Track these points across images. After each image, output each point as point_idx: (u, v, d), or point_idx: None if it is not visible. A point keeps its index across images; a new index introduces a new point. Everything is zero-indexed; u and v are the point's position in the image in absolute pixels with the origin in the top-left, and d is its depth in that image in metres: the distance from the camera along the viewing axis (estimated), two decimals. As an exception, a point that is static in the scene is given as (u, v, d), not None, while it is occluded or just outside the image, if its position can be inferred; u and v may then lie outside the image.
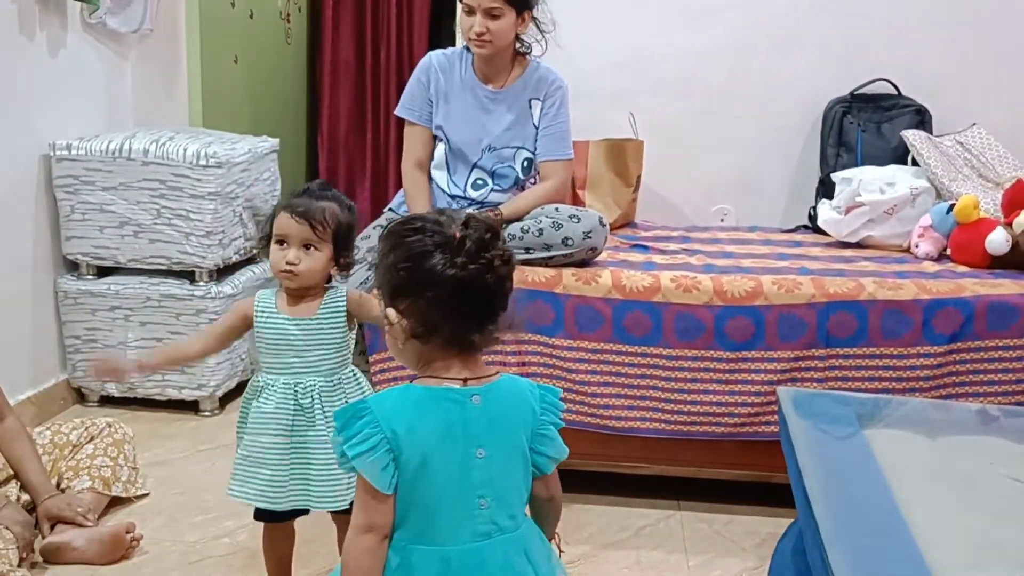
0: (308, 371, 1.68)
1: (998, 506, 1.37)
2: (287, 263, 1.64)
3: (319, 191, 1.70)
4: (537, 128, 2.41)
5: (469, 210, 2.34)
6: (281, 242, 1.65)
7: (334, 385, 1.70)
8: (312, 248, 1.65)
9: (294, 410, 1.67)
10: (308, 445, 1.68)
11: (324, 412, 1.67)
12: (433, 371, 1.20)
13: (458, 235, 1.16)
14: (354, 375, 1.76)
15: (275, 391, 1.67)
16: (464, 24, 2.32)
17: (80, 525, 1.96)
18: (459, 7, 2.34)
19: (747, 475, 2.27)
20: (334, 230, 1.66)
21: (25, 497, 2.03)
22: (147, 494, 2.27)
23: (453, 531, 1.18)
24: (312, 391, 1.68)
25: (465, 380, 1.20)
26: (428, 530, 1.18)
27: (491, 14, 2.27)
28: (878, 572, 1.19)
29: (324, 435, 1.66)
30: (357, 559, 1.16)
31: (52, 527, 1.98)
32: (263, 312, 1.69)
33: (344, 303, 1.71)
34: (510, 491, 1.22)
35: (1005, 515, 1.33)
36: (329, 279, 1.72)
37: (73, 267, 2.74)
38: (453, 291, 1.15)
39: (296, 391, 1.67)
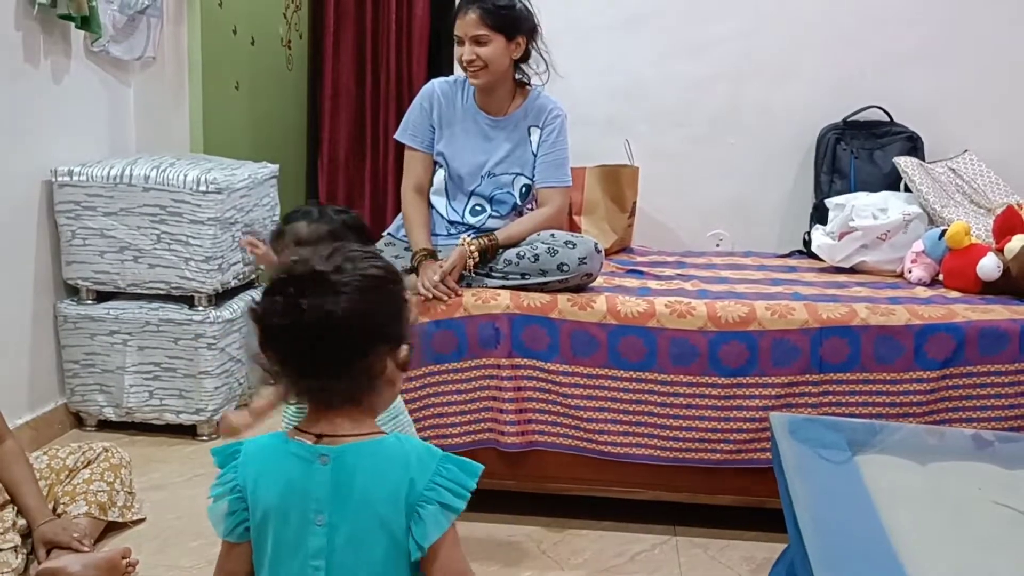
0: None
1: (987, 533, 1.37)
2: None
3: (328, 212, 1.73)
4: (535, 155, 2.44)
5: (466, 236, 2.37)
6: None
7: None
8: None
9: None
10: None
11: None
12: (303, 422, 1.11)
13: (275, 278, 1.07)
14: None
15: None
16: (456, 53, 2.36)
17: (76, 550, 1.97)
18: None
19: (743, 500, 2.28)
20: None
21: (21, 522, 2.03)
22: (143, 519, 2.27)
23: None
24: None
25: (320, 436, 1.08)
26: None
27: (478, 41, 2.30)
28: (866, 599, 1.20)
29: None
30: None
31: (48, 552, 1.98)
32: None
33: None
34: (359, 570, 1.07)
35: (994, 542, 1.34)
36: None
37: (73, 291, 2.76)
38: (267, 339, 1.07)
39: None
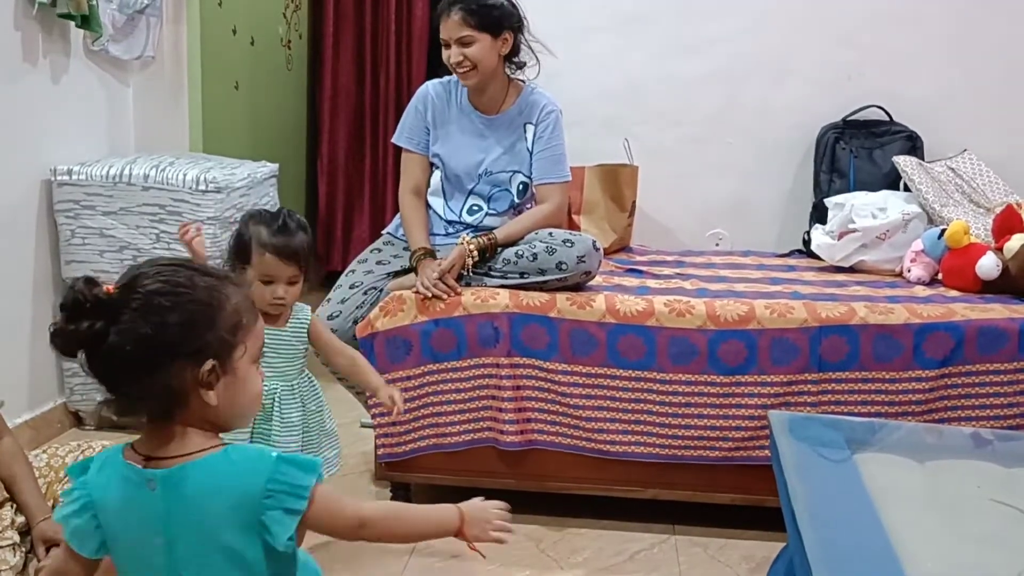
0: (271, 376, 1.81)
1: (985, 530, 1.37)
2: (276, 299, 1.81)
3: (288, 223, 1.83)
4: (531, 152, 2.44)
5: (465, 235, 2.37)
6: (268, 282, 1.80)
7: (293, 389, 1.88)
8: (295, 282, 1.83)
9: (289, 408, 1.84)
10: (268, 443, 1.82)
11: (281, 414, 1.84)
12: (137, 441, 1.10)
13: (62, 302, 1.05)
14: (310, 379, 1.94)
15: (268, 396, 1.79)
16: (444, 56, 2.36)
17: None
18: None
19: (743, 499, 2.27)
20: (308, 260, 1.84)
21: (20, 519, 2.03)
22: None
23: None
24: (273, 394, 1.83)
25: (148, 459, 1.08)
26: None
27: (464, 43, 2.30)
28: (864, 595, 1.20)
29: (281, 435, 1.83)
30: None
31: (47, 550, 1.98)
32: None
33: (308, 321, 1.90)
34: None
35: (992, 539, 1.34)
36: None
37: (72, 291, 2.76)
38: (62, 355, 1.07)
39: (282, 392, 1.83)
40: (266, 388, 1.77)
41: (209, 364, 1.06)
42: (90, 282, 1.05)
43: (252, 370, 1.12)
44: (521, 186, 2.46)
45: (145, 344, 1.03)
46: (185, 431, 1.08)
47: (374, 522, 1.13)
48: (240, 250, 1.83)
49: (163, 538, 1.06)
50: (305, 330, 1.91)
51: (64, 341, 1.04)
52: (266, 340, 1.69)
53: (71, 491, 1.11)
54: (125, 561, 1.12)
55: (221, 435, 1.13)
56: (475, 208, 2.47)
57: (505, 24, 2.34)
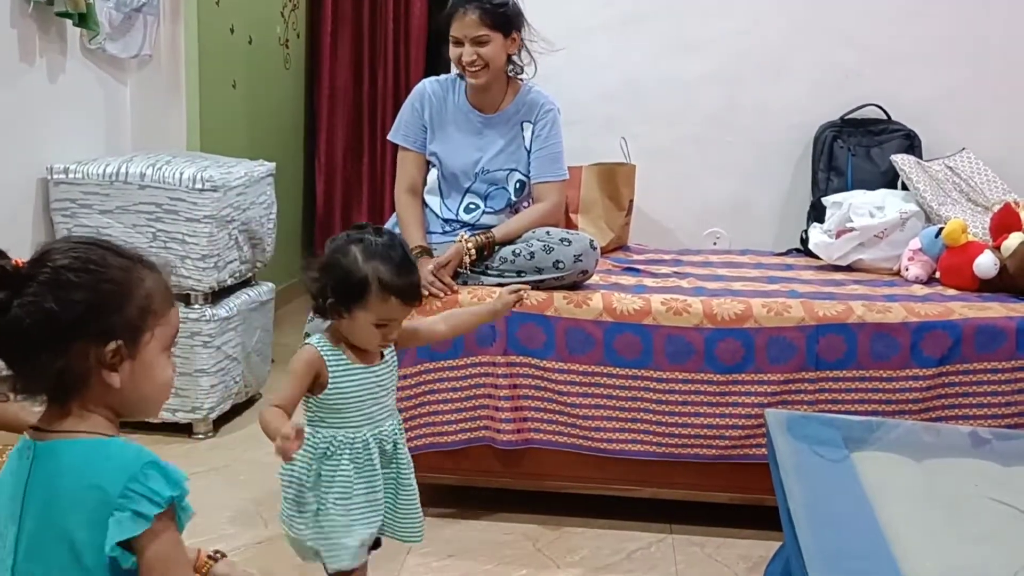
0: (386, 416, 1.61)
1: (981, 528, 1.37)
2: (387, 340, 1.58)
3: (408, 257, 1.59)
4: (529, 151, 2.44)
5: (463, 233, 2.37)
6: (382, 324, 1.55)
7: (401, 421, 1.69)
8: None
9: (379, 461, 1.59)
10: (398, 483, 1.64)
11: (402, 448, 1.64)
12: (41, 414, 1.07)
13: None
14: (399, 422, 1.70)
15: (355, 448, 1.57)
16: (453, 55, 2.35)
17: None
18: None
19: (740, 498, 2.27)
20: None
21: None
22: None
23: None
24: (395, 434, 1.63)
25: (38, 430, 1.05)
26: None
27: (479, 42, 2.30)
28: (859, 593, 1.20)
29: (407, 471, 1.64)
30: None
31: None
32: (337, 367, 1.56)
33: (392, 347, 1.65)
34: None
35: (988, 537, 1.34)
36: None
37: (69, 290, 2.75)
38: None
39: (380, 440, 1.60)
40: (386, 430, 1.60)
41: (113, 345, 1.02)
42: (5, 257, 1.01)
43: (163, 358, 1.09)
44: (518, 185, 2.46)
45: (48, 320, 0.99)
46: (83, 413, 1.04)
47: None
48: (352, 291, 1.52)
49: (19, 514, 1.02)
50: (395, 356, 1.66)
51: None
52: (374, 379, 1.58)
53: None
54: None
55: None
56: (472, 207, 2.47)
57: (514, 24, 2.35)
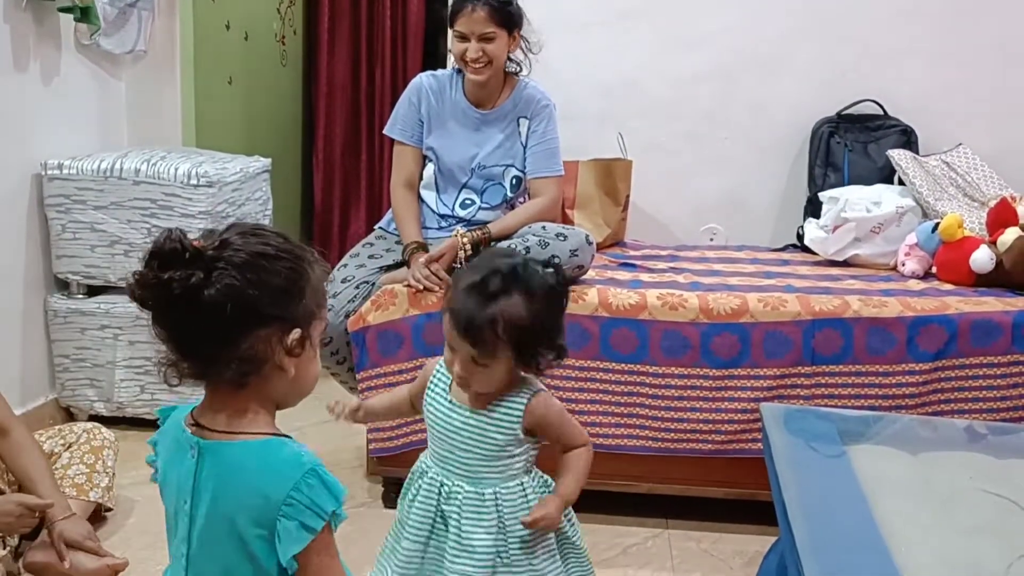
0: (457, 473, 1.43)
1: (975, 520, 1.37)
2: (458, 374, 1.38)
3: (493, 280, 1.33)
4: (525, 146, 2.43)
5: (460, 228, 2.36)
6: (451, 347, 1.38)
7: (484, 499, 1.41)
8: (481, 364, 1.36)
9: (435, 515, 1.44)
10: (443, 554, 1.44)
11: (462, 526, 1.42)
12: (199, 405, 1.09)
13: (149, 251, 1.00)
14: (522, 489, 1.45)
15: (425, 482, 1.46)
16: (457, 50, 2.35)
17: (94, 552, 1.91)
18: (450, 33, 2.37)
19: (736, 493, 2.27)
20: (512, 339, 1.33)
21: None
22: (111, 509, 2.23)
23: (175, 572, 1.10)
24: (457, 497, 1.42)
25: (198, 425, 1.06)
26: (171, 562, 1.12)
27: (486, 39, 2.29)
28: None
29: (458, 551, 1.42)
30: None
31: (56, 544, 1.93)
32: (435, 386, 1.47)
33: (523, 408, 1.41)
34: (210, 567, 1.06)
35: (982, 529, 1.34)
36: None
37: (63, 286, 2.75)
38: (150, 315, 1.02)
39: (440, 492, 1.43)
40: (449, 486, 1.41)
41: (298, 333, 1.03)
42: (184, 233, 1.00)
43: (317, 351, 1.11)
44: (514, 180, 2.46)
45: (244, 303, 0.99)
46: (245, 405, 1.04)
47: None
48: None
49: (189, 505, 1.05)
50: (517, 417, 1.40)
51: (152, 291, 0.98)
52: (457, 420, 1.39)
53: (153, 438, 1.14)
54: (166, 516, 1.11)
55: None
56: (468, 202, 2.47)
57: (517, 22, 2.36)
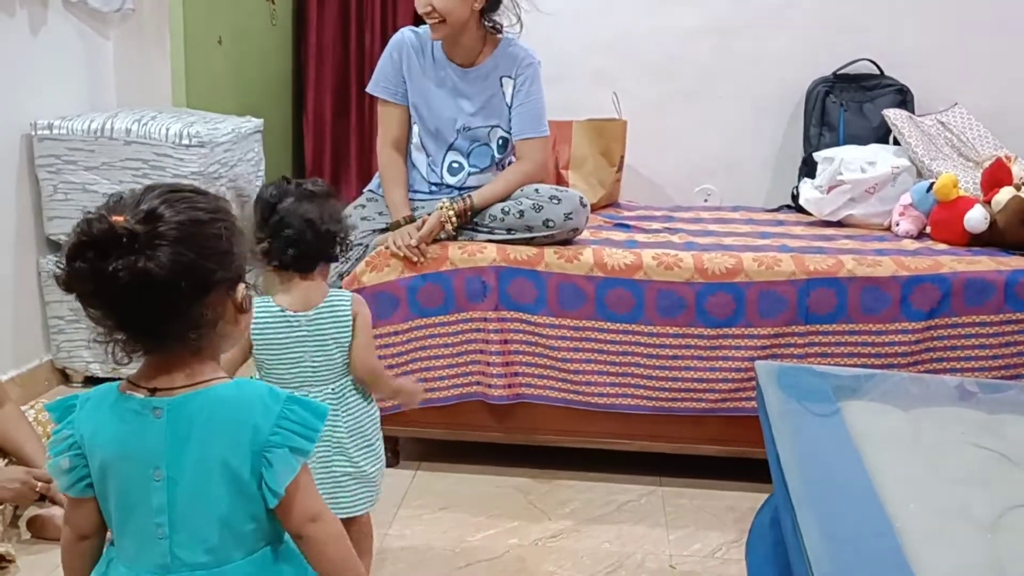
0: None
1: (965, 472, 1.39)
2: None
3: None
4: (510, 106, 2.40)
5: (445, 200, 2.31)
6: None
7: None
8: None
9: None
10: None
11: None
12: (135, 375, 1.06)
13: (74, 241, 0.96)
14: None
15: None
16: (415, 5, 2.30)
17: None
18: None
19: (729, 451, 2.29)
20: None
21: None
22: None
23: (137, 556, 1.06)
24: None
25: (154, 390, 1.03)
26: (122, 549, 1.07)
27: None
28: (845, 533, 1.21)
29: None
30: (61, 551, 1.12)
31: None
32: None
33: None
34: (204, 522, 1.04)
35: (972, 481, 1.36)
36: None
37: (56, 247, 2.73)
38: (82, 301, 0.99)
39: None
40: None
41: (243, 288, 1.05)
42: (109, 214, 0.96)
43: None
44: (501, 141, 2.43)
45: (195, 274, 0.98)
46: (194, 361, 1.04)
47: (325, 525, 1.08)
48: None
49: (163, 470, 1.03)
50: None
51: (95, 283, 0.95)
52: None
53: (59, 430, 1.08)
54: (119, 499, 1.06)
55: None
56: (456, 166, 2.43)
57: None
